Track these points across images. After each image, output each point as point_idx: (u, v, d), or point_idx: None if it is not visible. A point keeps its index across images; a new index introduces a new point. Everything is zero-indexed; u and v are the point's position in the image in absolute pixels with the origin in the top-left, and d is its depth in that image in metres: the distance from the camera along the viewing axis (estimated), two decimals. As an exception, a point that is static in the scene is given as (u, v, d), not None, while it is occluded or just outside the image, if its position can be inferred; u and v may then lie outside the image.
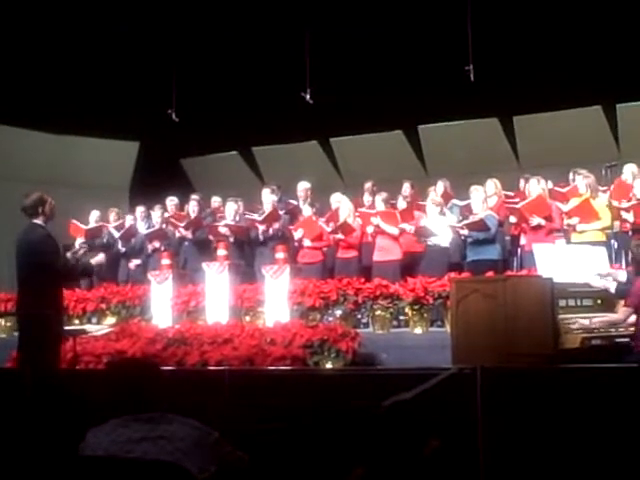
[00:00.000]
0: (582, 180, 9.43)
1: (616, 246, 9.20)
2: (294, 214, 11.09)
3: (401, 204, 10.55)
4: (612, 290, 6.67)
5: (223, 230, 10.81)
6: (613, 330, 6.61)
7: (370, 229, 10.25)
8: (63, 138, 14.50)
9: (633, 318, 6.35)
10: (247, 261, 10.85)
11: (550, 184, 10.11)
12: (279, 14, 13.01)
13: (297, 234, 10.44)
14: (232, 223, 10.88)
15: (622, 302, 6.59)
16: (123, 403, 3.06)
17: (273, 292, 9.58)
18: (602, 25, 11.52)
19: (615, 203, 9.21)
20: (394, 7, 12.54)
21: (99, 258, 7.42)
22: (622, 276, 6.61)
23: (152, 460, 2.83)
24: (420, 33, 12.52)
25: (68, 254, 7.01)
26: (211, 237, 10.97)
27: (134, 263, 11.63)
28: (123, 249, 11.69)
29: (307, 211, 10.73)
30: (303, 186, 11.29)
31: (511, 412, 4.88)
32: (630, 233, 9.10)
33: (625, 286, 6.54)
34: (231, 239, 10.76)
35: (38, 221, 6.53)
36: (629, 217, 9.04)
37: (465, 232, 9.57)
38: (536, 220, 9.34)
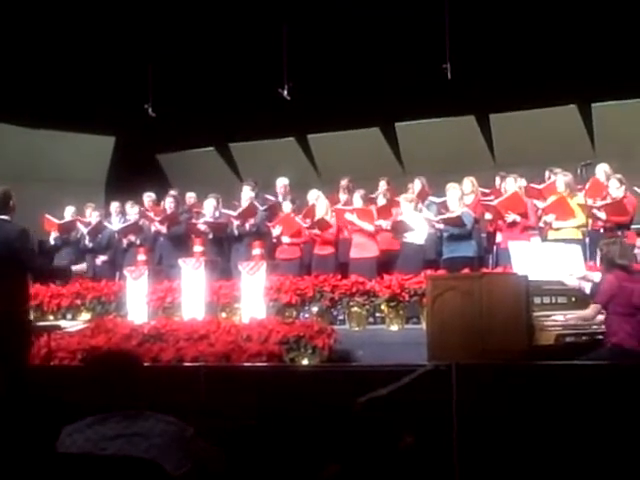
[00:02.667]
0: (561, 178, 9.49)
1: (589, 244, 9.28)
2: (273, 210, 11.09)
3: (381, 201, 10.58)
4: (587, 291, 6.73)
5: (202, 228, 10.79)
6: (587, 327, 6.67)
7: (341, 220, 10.29)
8: (38, 132, 14.37)
9: (603, 315, 6.42)
10: (224, 257, 10.84)
11: (524, 182, 10.17)
12: (257, 10, 12.98)
13: (275, 231, 10.44)
14: (211, 220, 10.86)
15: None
16: (104, 399, 3.03)
17: (249, 288, 9.57)
18: (578, 25, 11.60)
19: (590, 201, 9.28)
20: (372, 4, 12.56)
21: (81, 267, 7.38)
22: (597, 277, 6.66)
23: (127, 457, 2.82)
24: (398, 31, 12.54)
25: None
26: (192, 234, 10.93)
27: (100, 259, 11.58)
28: (90, 245, 11.62)
29: (287, 207, 10.72)
30: (282, 182, 11.30)
31: (486, 408, 4.91)
32: (602, 231, 9.18)
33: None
34: (210, 236, 10.75)
35: (6, 217, 6.43)
36: (602, 215, 9.12)
37: (441, 226, 9.63)
38: (511, 217, 9.40)
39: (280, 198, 11.19)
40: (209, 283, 9.92)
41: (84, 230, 11.69)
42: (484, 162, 13.09)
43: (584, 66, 11.58)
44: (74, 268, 7.27)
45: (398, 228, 9.94)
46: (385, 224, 10.05)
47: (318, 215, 10.33)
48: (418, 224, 9.85)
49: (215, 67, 13.66)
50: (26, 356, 6.41)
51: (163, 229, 11.12)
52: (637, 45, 11.39)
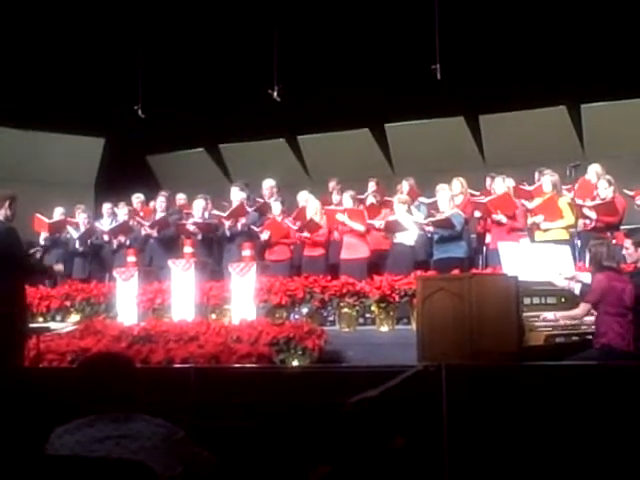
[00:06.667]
0: (548, 178, 9.52)
1: (579, 245, 9.31)
2: (263, 211, 11.08)
3: (370, 201, 10.59)
4: (576, 291, 6.75)
5: (191, 228, 10.78)
6: (577, 328, 6.70)
7: (336, 232, 10.29)
8: (28, 134, 14.34)
9: (593, 316, 6.45)
10: (215, 259, 10.82)
11: (512, 182, 10.18)
12: (247, 10, 12.97)
13: (263, 236, 10.41)
14: (200, 221, 10.85)
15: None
16: (96, 401, 3.01)
17: (239, 290, 9.56)
18: (567, 26, 11.64)
19: (579, 202, 9.31)
20: (362, 5, 12.57)
21: (59, 267, 7.53)
22: (586, 278, 6.69)
23: (117, 459, 2.81)
24: (387, 31, 12.56)
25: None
26: (181, 235, 10.91)
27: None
28: (80, 249, 11.59)
29: (276, 207, 10.71)
30: (268, 184, 11.30)
31: (476, 409, 4.92)
32: (592, 231, 9.20)
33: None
34: (199, 237, 10.74)
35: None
36: (592, 215, 9.15)
37: (430, 229, 9.64)
38: (499, 216, 9.40)
39: (267, 199, 11.19)
40: (199, 284, 9.90)
41: (73, 232, 11.66)
42: (474, 163, 13.12)
43: (573, 67, 11.62)
44: (55, 267, 7.42)
45: (392, 227, 9.94)
46: (378, 224, 10.06)
47: (308, 216, 10.33)
48: (409, 225, 9.87)
49: (205, 68, 13.64)
50: (20, 358, 6.41)
51: (154, 232, 11.10)
52: (626, 46, 11.44)
